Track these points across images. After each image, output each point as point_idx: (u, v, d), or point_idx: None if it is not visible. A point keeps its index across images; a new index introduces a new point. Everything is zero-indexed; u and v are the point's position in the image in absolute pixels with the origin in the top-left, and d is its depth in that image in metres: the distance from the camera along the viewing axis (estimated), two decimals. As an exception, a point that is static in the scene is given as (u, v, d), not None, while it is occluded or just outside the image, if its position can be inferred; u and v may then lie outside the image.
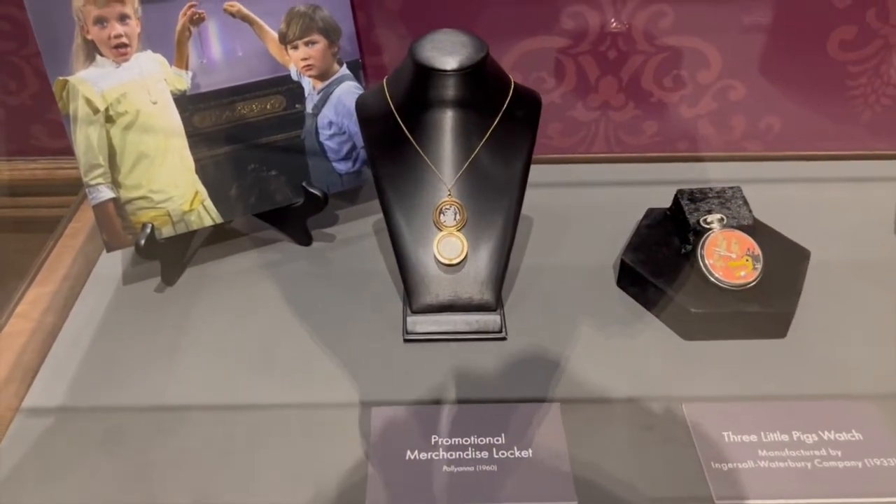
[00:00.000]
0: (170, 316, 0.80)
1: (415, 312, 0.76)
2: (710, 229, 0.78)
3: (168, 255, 0.82)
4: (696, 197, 0.82)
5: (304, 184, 0.83)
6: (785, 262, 0.79)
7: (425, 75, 0.71)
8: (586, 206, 0.98)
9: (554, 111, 1.05)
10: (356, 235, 0.90)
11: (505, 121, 0.74)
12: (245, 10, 0.77)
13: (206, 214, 0.81)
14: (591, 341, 0.77)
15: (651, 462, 0.65)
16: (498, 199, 0.75)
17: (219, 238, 0.89)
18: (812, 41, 0.99)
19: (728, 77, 1.02)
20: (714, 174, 1.05)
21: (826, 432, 0.66)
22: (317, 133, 0.84)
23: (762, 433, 0.66)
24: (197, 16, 0.76)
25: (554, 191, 1.02)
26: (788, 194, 0.99)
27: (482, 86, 0.72)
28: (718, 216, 0.79)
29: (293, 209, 0.85)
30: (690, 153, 1.09)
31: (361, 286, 0.83)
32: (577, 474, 0.64)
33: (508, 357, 0.75)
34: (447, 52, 0.71)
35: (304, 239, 0.88)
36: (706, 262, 0.76)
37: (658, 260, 0.80)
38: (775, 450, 0.65)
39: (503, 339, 0.76)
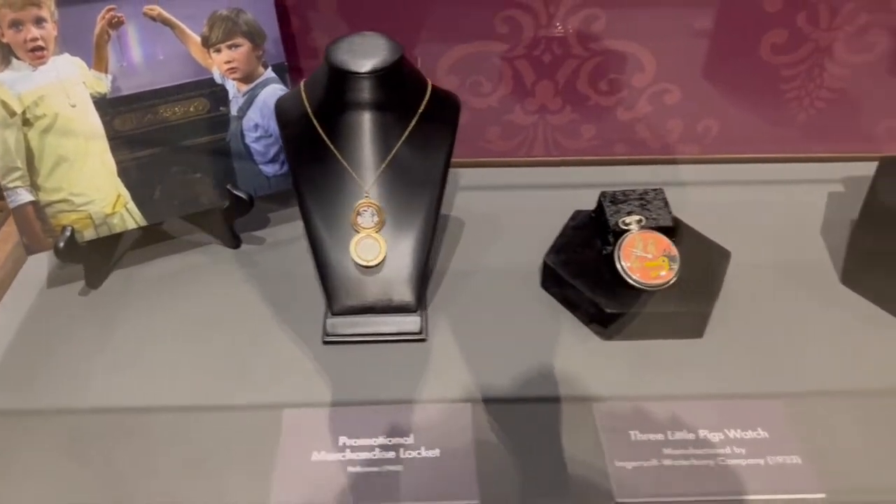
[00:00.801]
0: (92, 319, 0.80)
1: (335, 315, 0.76)
2: (628, 230, 0.79)
3: (91, 258, 0.82)
4: (619, 199, 0.83)
5: (228, 186, 0.83)
6: (704, 262, 0.80)
7: (341, 78, 0.71)
8: (523, 208, 0.98)
9: (492, 115, 1.05)
10: (286, 238, 0.90)
11: (422, 122, 0.75)
12: (165, 14, 0.78)
13: (130, 217, 0.81)
14: (511, 342, 0.77)
15: (557, 461, 0.66)
16: (416, 200, 0.75)
17: (148, 241, 0.89)
18: (745, 45, 1.00)
19: (663, 81, 1.03)
20: (652, 177, 1.06)
21: (732, 430, 0.67)
22: (242, 136, 0.84)
23: (669, 432, 0.67)
24: (116, 19, 0.76)
25: (491, 194, 1.03)
26: (723, 196, 1.01)
27: (398, 88, 0.73)
28: (637, 218, 0.79)
29: (220, 212, 0.85)
30: (629, 156, 1.10)
31: (287, 289, 0.83)
32: (481, 473, 0.64)
33: (427, 358, 0.76)
34: (361, 55, 0.71)
35: (233, 241, 0.88)
36: (622, 263, 0.76)
37: (579, 261, 0.81)
38: (680, 448, 0.66)
39: (423, 340, 0.77)
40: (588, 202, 0.91)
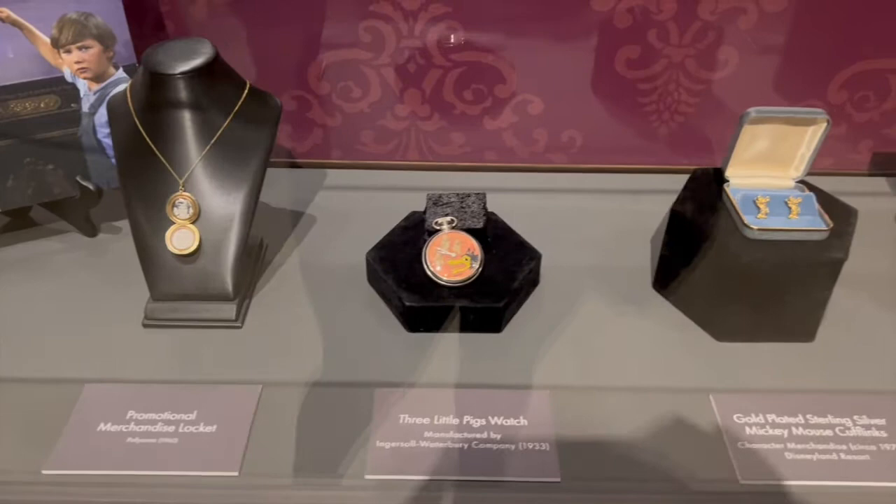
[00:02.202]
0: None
1: (155, 300, 0.81)
2: (440, 230, 0.83)
3: (-54, 241, 0.88)
4: (441, 201, 0.88)
5: (78, 178, 0.89)
6: (510, 263, 0.84)
7: (156, 80, 0.77)
8: (382, 209, 1.01)
9: (364, 120, 1.10)
10: (141, 229, 0.95)
11: (238, 120, 0.80)
12: (14, 16, 0.83)
13: (-18, 203, 0.87)
14: (325, 332, 0.82)
15: (326, 441, 0.70)
16: (231, 193, 0.80)
17: (12, 227, 0.95)
18: (601, 59, 1.05)
19: (525, 92, 1.08)
20: (520, 184, 1.11)
21: (495, 418, 0.71)
22: (94, 131, 0.90)
23: (436, 416, 0.71)
24: (-35, 19, 0.82)
25: (357, 194, 1.07)
26: (570, 203, 1.05)
27: (212, 88, 0.78)
28: (448, 218, 0.84)
29: (73, 202, 0.91)
30: (500, 163, 1.14)
31: (129, 276, 0.88)
32: (249, 449, 0.69)
33: (239, 345, 0.80)
34: (175, 58, 0.77)
35: (89, 230, 0.93)
36: (427, 260, 0.81)
37: (397, 258, 0.85)
38: (441, 431, 0.70)
39: (238, 327, 0.81)
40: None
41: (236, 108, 0.80)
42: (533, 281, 0.86)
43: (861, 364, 0.78)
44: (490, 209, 0.92)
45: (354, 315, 0.84)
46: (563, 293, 0.87)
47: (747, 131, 0.78)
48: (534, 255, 0.86)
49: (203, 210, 0.80)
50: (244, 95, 0.81)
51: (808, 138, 0.78)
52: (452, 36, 1.04)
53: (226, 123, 0.79)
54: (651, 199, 1.05)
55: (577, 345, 0.81)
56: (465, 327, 0.81)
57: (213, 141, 0.79)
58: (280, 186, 1.07)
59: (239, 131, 0.80)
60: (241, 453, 0.68)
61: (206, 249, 0.80)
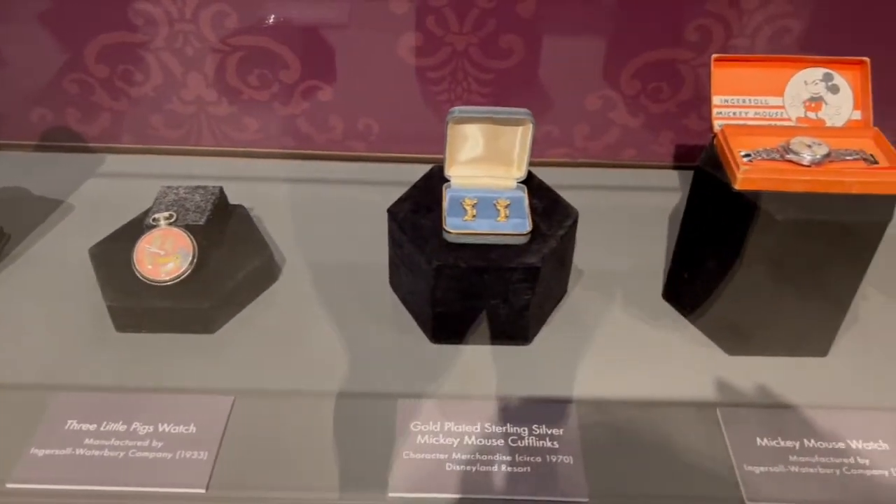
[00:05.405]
0: None
1: None
2: (156, 226, 0.81)
3: None
4: (169, 195, 0.85)
5: None
6: (235, 260, 0.81)
7: None
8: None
9: (151, 104, 1.07)
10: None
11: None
12: None
13: None
14: (32, 330, 0.80)
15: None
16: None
17: None
18: (383, 46, 1.01)
19: (311, 78, 1.04)
20: (316, 173, 1.08)
21: (164, 425, 0.69)
22: None
23: (105, 423, 0.69)
24: None
25: (142, 182, 1.04)
26: (362, 196, 1.02)
27: None
28: (166, 214, 0.82)
29: None
30: (298, 150, 1.11)
31: None
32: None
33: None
34: None
35: None
36: (135, 258, 0.79)
37: (117, 254, 0.82)
38: (103, 439, 0.68)
39: None
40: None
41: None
42: (265, 278, 0.84)
43: (568, 370, 0.77)
44: (269, 200, 0.90)
45: (71, 314, 0.82)
46: (298, 292, 0.85)
47: (455, 131, 0.75)
48: (263, 252, 0.83)
49: None
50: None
51: (519, 138, 0.76)
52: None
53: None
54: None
55: (288, 347, 0.79)
56: (175, 328, 0.79)
57: None
58: (55, 173, 1.04)
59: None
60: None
61: None
